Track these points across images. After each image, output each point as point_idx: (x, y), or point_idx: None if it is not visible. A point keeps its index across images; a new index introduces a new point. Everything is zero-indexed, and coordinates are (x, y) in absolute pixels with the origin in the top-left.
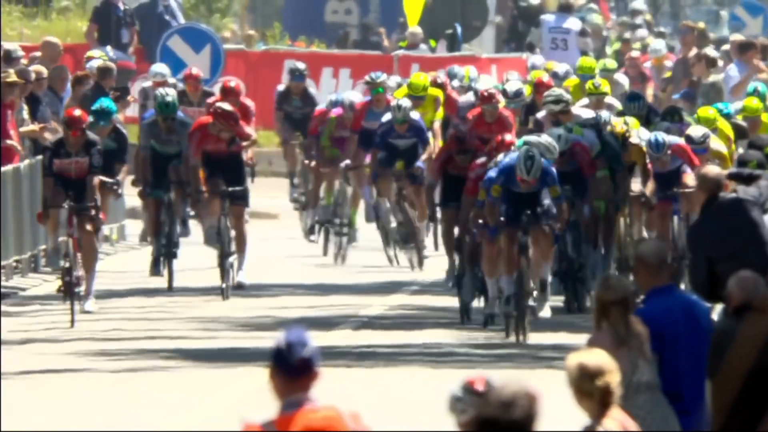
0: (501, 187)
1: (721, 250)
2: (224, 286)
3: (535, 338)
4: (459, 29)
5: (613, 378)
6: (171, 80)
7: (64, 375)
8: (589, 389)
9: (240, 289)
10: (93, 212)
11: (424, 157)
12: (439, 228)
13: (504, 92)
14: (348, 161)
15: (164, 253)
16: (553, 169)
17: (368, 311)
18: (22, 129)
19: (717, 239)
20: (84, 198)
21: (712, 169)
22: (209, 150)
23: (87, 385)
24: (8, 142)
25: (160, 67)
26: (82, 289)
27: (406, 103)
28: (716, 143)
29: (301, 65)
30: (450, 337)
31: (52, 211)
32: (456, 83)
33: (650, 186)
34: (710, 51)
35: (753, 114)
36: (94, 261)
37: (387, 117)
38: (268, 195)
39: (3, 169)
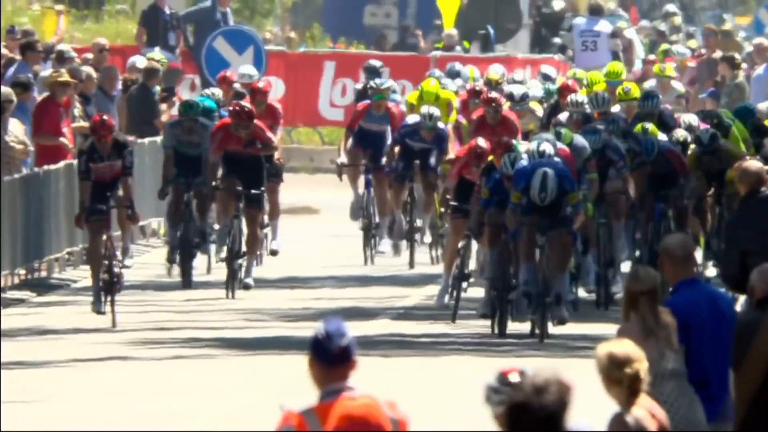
0: (521, 194)
1: (756, 244)
2: (231, 286)
3: (566, 329)
4: (492, 31)
5: (641, 366)
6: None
7: (113, 362)
8: (617, 377)
9: (246, 289)
10: (130, 211)
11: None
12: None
13: (510, 96)
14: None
15: (181, 251)
16: (571, 175)
17: (405, 302)
18: (75, 125)
19: (755, 234)
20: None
21: (754, 164)
22: (230, 150)
23: (134, 372)
24: (61, 140)
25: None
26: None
27: (437, 112)
28: (727, 143)
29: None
30: (485, 328)
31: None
32: (459, 82)
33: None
34: (735, 54)
35: None
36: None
37: (413, 119)
38: (310, 190)
39: (56, 166)
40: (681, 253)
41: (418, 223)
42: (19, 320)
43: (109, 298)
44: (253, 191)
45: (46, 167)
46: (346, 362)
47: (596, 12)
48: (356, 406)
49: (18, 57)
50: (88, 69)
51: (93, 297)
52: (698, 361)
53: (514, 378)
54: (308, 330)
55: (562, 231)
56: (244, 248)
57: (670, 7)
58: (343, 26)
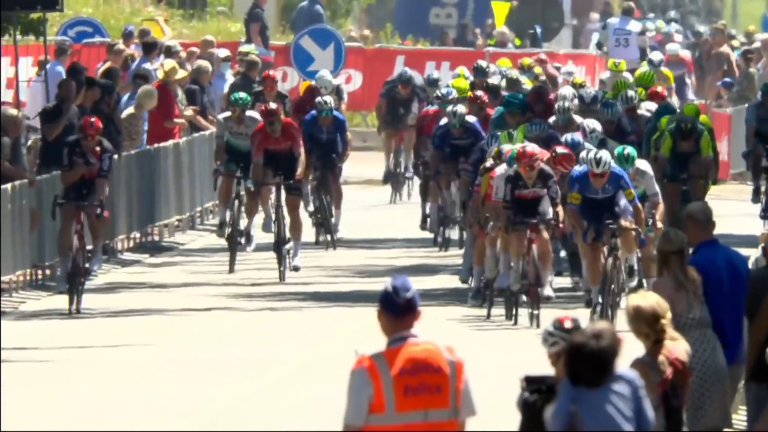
0: (579, 195)
1: None
2: (281, 269)
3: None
4: (539, 30)
5: (665, 319)
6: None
7: (216, 312)
8: (644, 330)
9: (295, 271)
10: (99, 210)
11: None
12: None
13: (580, 98)
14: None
15: (230, 238)
16: (627, 174)
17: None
18: (185, 113)
19: None
20: (91, 197)
21: None
22: (269, 148)
23: (233, 322)
24: (176, 120)
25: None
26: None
27: (462, 109)
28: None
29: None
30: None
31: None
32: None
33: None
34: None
35: None
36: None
37: (444, 121)
38: (369, 166)
39: (165, 144)
40: (702, 217)
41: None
42: (136, 277)
43: (71, 289)
44: (290, 181)
45: (156, 145)
46: (410, 313)
47: (627, 13)
48: (419, 351)
49: (136, 54)
50: (203, 63)
51: (58, 279)
52: (715, 311)
53: (568, 324)
54: (379, 285)
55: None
56: (288, 235)
57: (672, 14)
58: (411, 25)
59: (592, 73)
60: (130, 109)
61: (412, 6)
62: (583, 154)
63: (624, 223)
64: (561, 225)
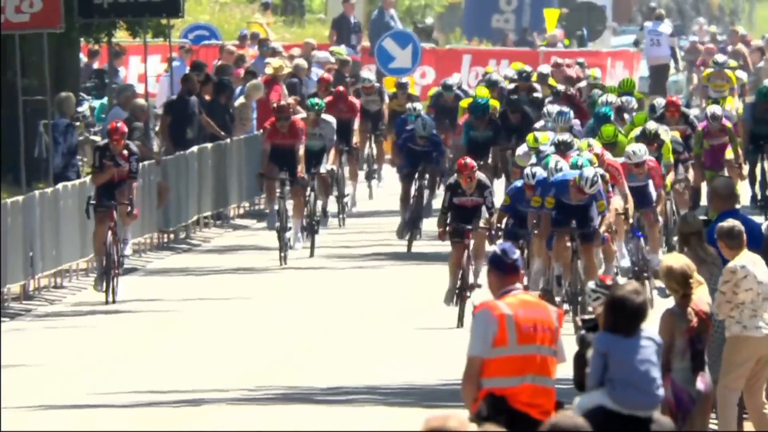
0: (554, 199)
1: None
2: (282, 255)
3: None
4: (585, 32)
5: (692, 277)
6: (377, 84)
7: (309, 272)
8: (674, 285)
9: (291, 249)
10: (129, 208)
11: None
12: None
13: (652, 107)
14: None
15: (307, 229)
16: (602, 189)
17: None
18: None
19: None
20: (122, 196)
21: None
22: (277, 142)
23: (327, 279)
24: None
25: (367, 74)
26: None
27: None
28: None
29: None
30: None
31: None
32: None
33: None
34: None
35: None
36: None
37: (411, 126)
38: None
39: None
40: (724, 191)
41: None
42: (244, 240)
43: (107, 281)
44: (294, 176)
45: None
46: (515, 272)
47: (660, 18)
48: (528, 298)
49: (246, 54)
50: (301, 60)
51: (95, 277)
52: None
53: (608, 281)
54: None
55: (592, 242)
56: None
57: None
58: (476, 29)
59: (630, 66)
60: (241, 99)
61: (477, 13)
62: (563, 164)
63: (593, 248)
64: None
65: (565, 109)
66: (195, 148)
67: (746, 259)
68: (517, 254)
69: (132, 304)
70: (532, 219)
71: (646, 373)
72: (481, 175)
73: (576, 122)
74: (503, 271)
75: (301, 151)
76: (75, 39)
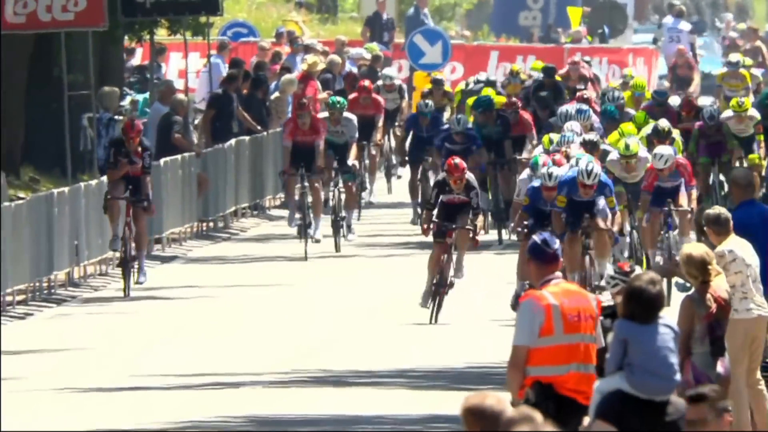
0: (565, 198)
1: None
2: (305, 248)
3: None
4: (607, 30)
5: (711, 264)
6: (397, 82)
7: (343, 259)
8: (693, 272)
9: (317, 242)
10: (146, 203)
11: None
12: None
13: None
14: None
15: (333, 225)
16: (612, 184)
17: None
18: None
19: None
20: (138, 192)
21: None
22: (298, 138)
23: (360, 267)
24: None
25: (390, 72)
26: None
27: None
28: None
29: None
30: None
31: (112, 202)
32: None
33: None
34: None
35: None
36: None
37: (447, 126)
38: None
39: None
40: (743, 182)
41: None
42: (280, 229)
43: (123, 275)
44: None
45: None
46: (555, 261)
47: (679, 15)
48: (570, 287)
49: (284, 51)
50: (335, 56)
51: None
52: None
53: (626, 268)
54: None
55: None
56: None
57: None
58: (503, 26)
59: (649, 63)
60: (277, 94)
61: (504, 10)
62: (573, 162)
63: (600, 224)
64: (476, 237)
65: (584, 107)
66: (233, 141)
67: (733, 243)
68: (557, 244)
69: (172, 290)
70: (557, 219)
71: (664, 359)
72: (469, 176)
73: (595, 119)
74: (544, 261)
75: (321, 146)
76: (118, 37)
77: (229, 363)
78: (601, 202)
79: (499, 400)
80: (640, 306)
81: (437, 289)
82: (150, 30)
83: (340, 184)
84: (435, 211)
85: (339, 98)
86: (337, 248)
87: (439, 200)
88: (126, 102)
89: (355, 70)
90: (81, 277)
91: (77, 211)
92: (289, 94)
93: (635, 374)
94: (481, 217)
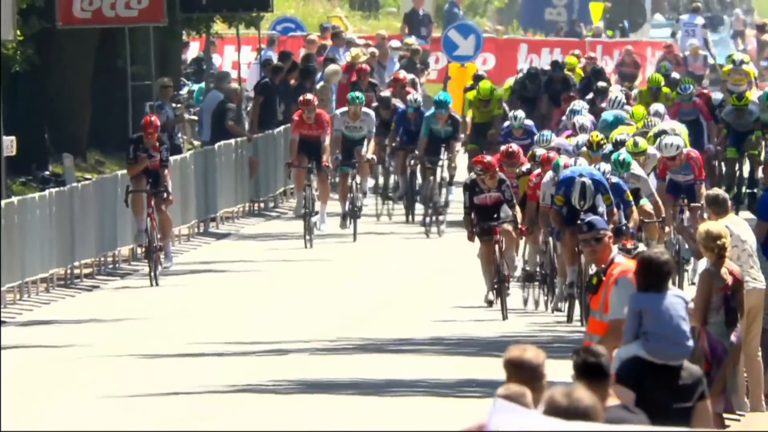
0: (563, 197)
1: None
2: (308, 237)
3: None
4: (627, 24)
5: (726, 240)
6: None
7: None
8: (710, 246)
9: (321, 233)
10: (165, 194)
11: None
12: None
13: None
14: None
15: (350, 213)
16: (605, 181)
17: None
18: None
19: None
20: (158, 184)
21: None
22: (304, 133)
23: (397, 246)
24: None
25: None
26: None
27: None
28: None
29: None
30: None
31: (135, 195)
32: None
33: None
34: None
35: None
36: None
37: (507, 124)
38: None
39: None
40: None
41: None
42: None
43: (150, 266)
44: (320, 165)
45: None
46: (623, 238)
47: (695, 11)
48: (626, 261)
49: (326, 43)
50: (376, 50)
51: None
52: None
53: (629, 246)
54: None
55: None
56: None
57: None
58: (531, 21)
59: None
60: (322, 83)
61: (532, 6)
62: (570, 160)
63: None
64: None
65: (577, 107)
66: (281, 128)
67: (729, 220)
68: (603, 224)
69: (225, 264)
70: (556, 217)
71: (678, 326)
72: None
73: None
74: (616, 238)
75: (327, 141)
76: (177, 31)
77: (278, 332)
78: (600, 208)
79: (538, 353)
80: (652, 273)
81: (500, 287)
82: (206, 25)
83: (358, 179)
84: (472, 214)
85: (358, 93)
86: (355, 238)
87: (473, 203)
88: (183, 91)
89: (397, 63)
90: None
91: None
92: (333, 83)
93: (651, 341)
94: (517, 207)
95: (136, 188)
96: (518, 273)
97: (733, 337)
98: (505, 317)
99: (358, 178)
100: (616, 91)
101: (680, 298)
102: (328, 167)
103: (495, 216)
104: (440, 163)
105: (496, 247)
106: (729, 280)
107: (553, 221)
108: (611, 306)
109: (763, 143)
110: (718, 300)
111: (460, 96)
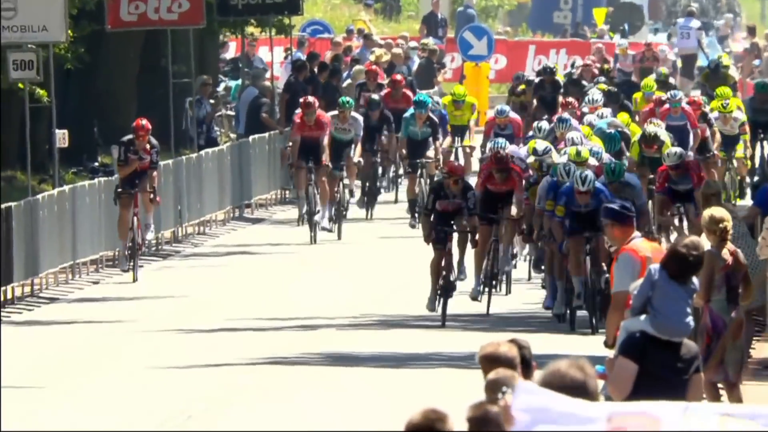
0: (564, 207)
1: None
2: (312, 234)
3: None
4: (627, 27)
5: (728, 224)
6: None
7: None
8: (713, 229)
9: (325, 230)
10: (152, 195)
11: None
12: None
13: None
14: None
15: (336, 214)
16: (606, 189)
17: None
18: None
19: None
20: (143, 183)
21: None
22: (305, 134)
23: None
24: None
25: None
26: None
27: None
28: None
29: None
30: None
31: (123, 197)
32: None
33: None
34: None
35: None
36: None
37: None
38: None
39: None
40: None
41: None
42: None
43: (132, 261)
44: (320, 165)
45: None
46: (632, 224)
47: (690, 15)
48: (651, 244)
49: (352, 44)
50: (397, 50)
51: (119, 258)
52: None
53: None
54: None
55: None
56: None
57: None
58: (540, 24)
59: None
60: (348, 81)
61: (541, 9)
62: (567, 169)
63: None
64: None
65: (565, 116)
66: None
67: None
68: (633, 211)
69: (259, 247)
70: (557, 229)
71: (682, 308)
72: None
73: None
74: (626, 223)
75: (326, 141)
76: (215, 33)
77: (307, 308)
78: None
79: (511, 347)
80: (679, 267)
81: (444, 294)
82: (241, 27)
83: (346, 180)
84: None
85: (348, 98)
86: (339, 236)
87: (434, 206)
88: (221, 88)
89: (417, 63)
90: (183, 236)
91: (180, 181)
92: (359, 81)
93: (657, 318)
94: (476, 218)
95: (125, 189)
96: (510, 268)
97: (734, 314)
98: (443, 325)
99: (346, 180)
100: (594, 92)
101: (693, 291)
102: (327, 166)
103: (451, 223)
104: (420, 164)
105: (446, 257)
106: (730, 260)
107: (554, 233)
108: (615, 281)
109: (760, 143)
110: (720, 279)
111: (475, 94)
